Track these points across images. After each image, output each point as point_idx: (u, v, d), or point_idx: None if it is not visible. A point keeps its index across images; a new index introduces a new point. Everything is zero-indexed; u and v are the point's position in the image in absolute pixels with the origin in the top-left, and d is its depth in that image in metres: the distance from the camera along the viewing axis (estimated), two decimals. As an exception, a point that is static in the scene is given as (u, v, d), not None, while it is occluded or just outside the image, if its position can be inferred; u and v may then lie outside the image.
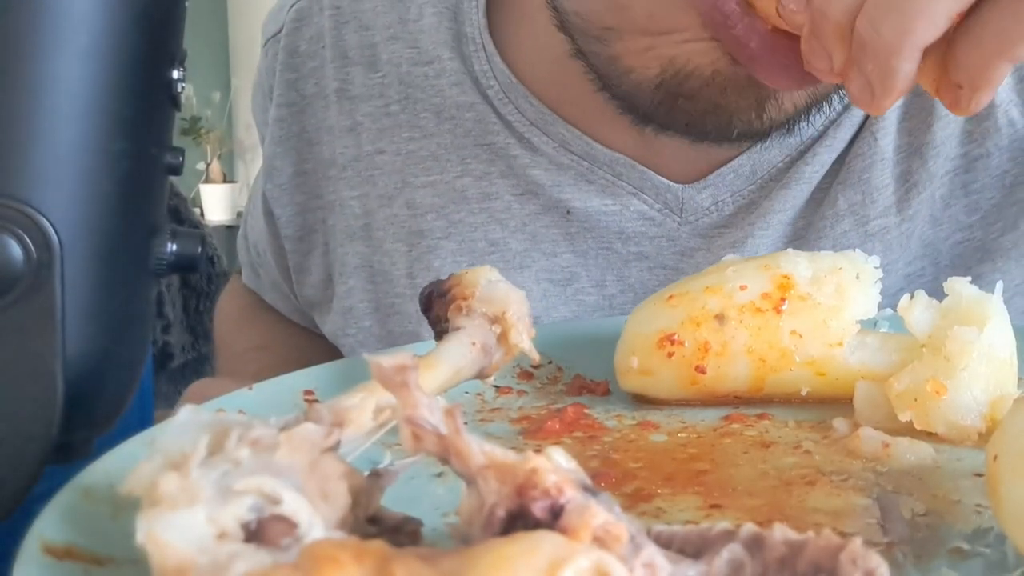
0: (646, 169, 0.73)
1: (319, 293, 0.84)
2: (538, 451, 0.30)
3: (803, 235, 0.73)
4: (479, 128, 0.76)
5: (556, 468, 0.29)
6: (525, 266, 0.75)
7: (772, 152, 0.72)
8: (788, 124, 0.64)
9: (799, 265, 0.53)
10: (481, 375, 0.53)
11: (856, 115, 0.72)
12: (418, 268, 0.77)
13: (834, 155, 0.72)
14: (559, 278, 0.75)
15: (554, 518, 0.28)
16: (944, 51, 0.46)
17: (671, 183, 0.73)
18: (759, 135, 0.65)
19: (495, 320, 0.52)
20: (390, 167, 0.78)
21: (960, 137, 0.72)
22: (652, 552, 0.28)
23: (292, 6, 0.84)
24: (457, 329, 0.52)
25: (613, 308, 0.75)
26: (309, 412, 0.35)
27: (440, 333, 0.54)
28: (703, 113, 0.61)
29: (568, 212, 0.74)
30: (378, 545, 0.27)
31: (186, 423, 0.33)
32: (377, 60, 0.79)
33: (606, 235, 0.74)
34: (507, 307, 0.52)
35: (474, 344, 0.51)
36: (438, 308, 0.54)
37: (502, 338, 0.52)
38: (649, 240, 0.74)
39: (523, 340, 0.52)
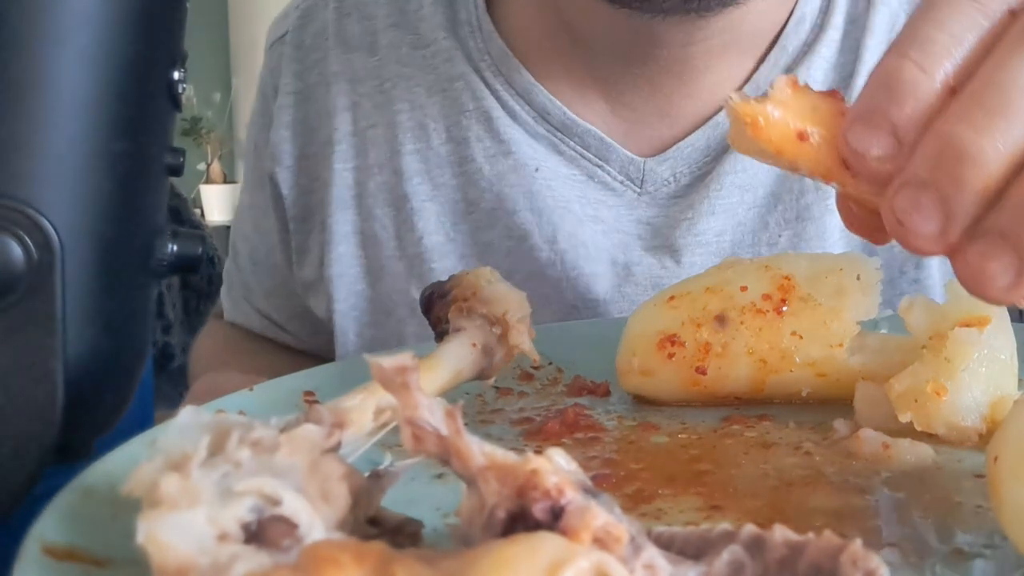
0: (613, 142, 0.78)
1: (316, 271, 0.88)
2: (539, 452, 0.30)
3: (769, 204, 0.77)
4: (466, 96, 0.82)
5: (557, 469, 0.29)
6: (492, 224, 0.81)
7: (724, 125, 0.76)
8: None
9: (800, 266, 0.53)
10: (482, 376, 0.53)
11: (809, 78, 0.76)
12: (404, 230, 0.83)
13: None
14: (518, 234, 0.80)
15: (555, 519, 0.28)
16: None
17: (634, 156, 0.78)
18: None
19: (495, 321, 0.52)
20: (381, 139, 0.84)
21: None
22: (652, 553, 0.28)
23: (298, 6, 0.90)
24: (458, 330, 0.52)
25: (564, 264, 0.79)
26: (310, 413, 0.35)
27: (441, 334, 0.54)
28: None
29: (537, 169, 0.80)
30: (378, 546, 0.27)
31: (187, 424, 0.33)
32: (376, 45, 0.85)
33: (567, 196, 0.79)
34: (507, 308, 0.52)
35: (475, 345, 0.51)
36: (439, 309, 0.55)
37: (502, 339, 0.52)
38: (608, 208, 0.79)
39: (524, 341, 0.52)
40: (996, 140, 0.33)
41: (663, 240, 0.78)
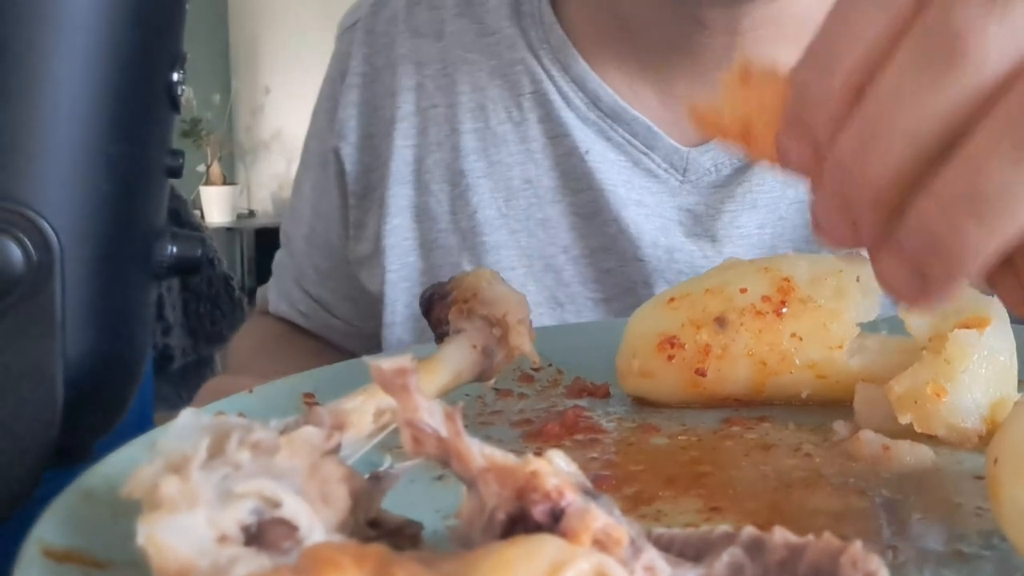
0: (660, 131, 0.82)
1: (372, 245, 0.92)
2: (538, 454, 0.30)
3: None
4: (526, 79, 0.86)
5: (556, 471, 0.29)
6: (556, 201, 0.84)
7: None
8: None
9: (799, 268, 0.53)
10: (482, 378, 0.53)
11: None
12: (459, 205, 0.87)
13: None
14: (585, 212, 0.84)
15: (554, 521, 0.28)
16: None
17: (679, 146, 0.81)
18: None
19: (496, 323, 0.52)
20: (442, 118, 0.88)
21: None
22: (652, 555, 0.28)
23: None
24: (458, 332, 0.52)
25: (623, 241, 0.82)
26: (309, 415, 0.35)
27: (441, 336, 0.54)
28: None
29: (587, 152, 0.83)
30: (378, 548, 0.27)
31: (187, 426, 0.33)
32: (443, 32, 0.90)
33: (614, 180, 0.83)
34: (508, 310, 0.52)
35: (475, 347, 0.51)
36: (439, 311, 0.54)
37: (503, 340, 0.52)
38: (651, 194, 0.82)
39: (524, 343, 0.52)
40: (884, 158, 0.33)
41: (703, 228, 0.81)
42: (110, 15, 0.42)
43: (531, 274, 0.85)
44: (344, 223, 0.95)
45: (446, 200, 0.88)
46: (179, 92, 0.45)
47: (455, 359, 0.50)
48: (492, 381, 0.54)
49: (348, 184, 0.93)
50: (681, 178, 0.82)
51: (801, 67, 0.35)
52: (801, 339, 0.52)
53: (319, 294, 1.00)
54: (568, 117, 0.84)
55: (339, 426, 0.35)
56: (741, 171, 0.81)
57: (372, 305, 0.92)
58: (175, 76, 0.45)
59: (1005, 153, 0.30)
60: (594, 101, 0.84)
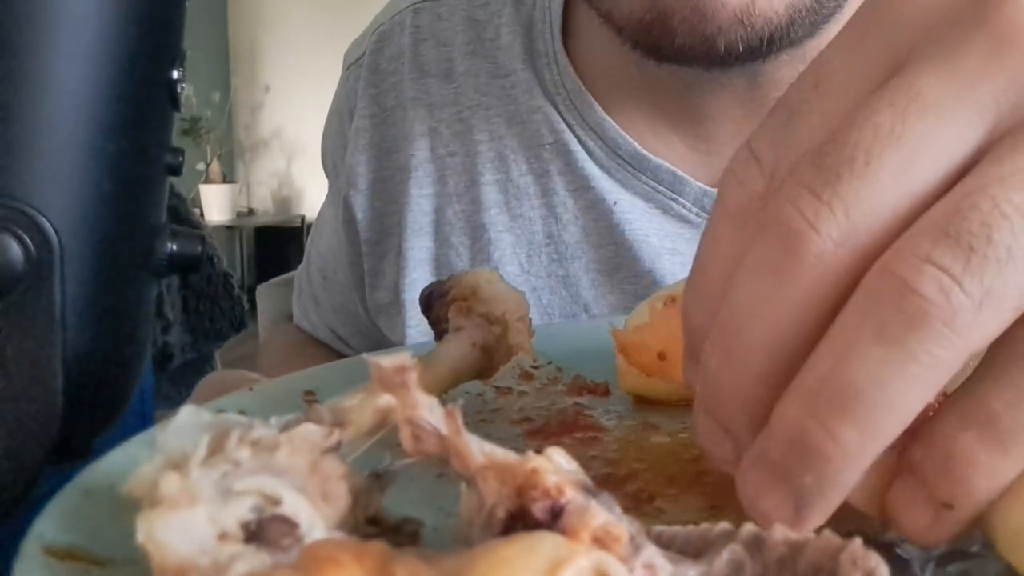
0: (685, 175, 0.79)
1: (391, 294, 0.89)
2: (538, 452, 0.30)
3: None
4: (544, 128, 0.83)
5: (556, 469, 0.29)
6: (577, 257, 0.82)
7: None
8: (784, 32, 0.67)
9: None
10: (481, 376, 0.53)
11: None
12: (480, 260, 0.84)
13: None
14: (606, 268, 0.81)
15: (554, 519, 0.28)
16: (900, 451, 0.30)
17: (708, 187, 0.78)
18: (751, 50, 0.67)
19: (495, 321, 0.52)
20: (460, 167, 0.85)
21: None
22: (652, 553, 0.28)
23: (375, 30, 0.92)
24: (457, 330, 0.52)
25: (647, 295, 0.80)
26: (309, 413, 0.35)
27: (440, 334, 0.54)
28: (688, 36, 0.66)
29: (616, 203, 0.81)
30: (378, 546, 0.27)
31: (186, 424, 0.33)
32: (453, 72, 0.86)
33: (646, 229, 0.80)
34: (507, 308, 0.52)
35: (474, 344, 0.51)
36: (438, 309, 0.54)
37: (502, 339, 0.52)
38: (685, 240, 0.80)
39: (523, 341, 0.52)
40: (744, 366, 0.30)
41: None
42: (110, 13, 0.42)
43: None
44: (353, 269, 0.92)
45: (466, 254, 0.85)
46: (179, 90, 0.45)
47: (454, 357, 0.50)
48: (492, 379, 0.54)
49: (360, 232, 0.90)
50: None
51: (684, 293, 0.34)
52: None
53: (333, 326, 0.99)
54: (590, 168, 0.81)
55: (339, 424, 0.35)
56: None
57: (387, 344, 0.90)
58: (175, 74, 0.45)
59: (866, 345, 0.27)
60: (614, 149, 0.80)
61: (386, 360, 0.31)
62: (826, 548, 0.28)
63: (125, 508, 0.32)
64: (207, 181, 4.98)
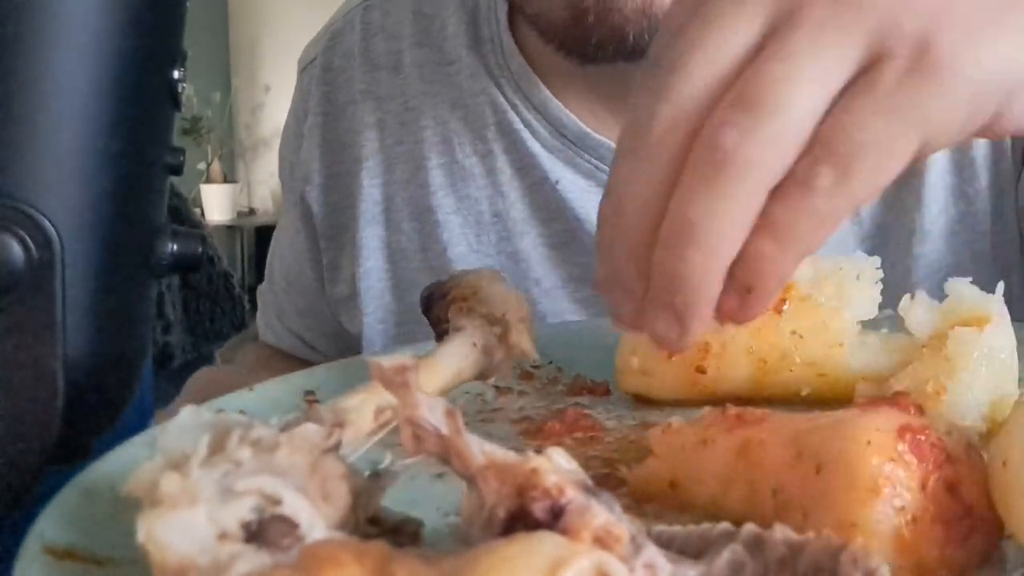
0: None
1: (349, 287, 0.90)
2: (538, 452, 0.30)
3: None
4: (489, 110, 0.84)
5: (556, 468, 0.29)
6: (525, 233, 0.83)
7: None
8: None
9: (800, 266, 0.53)
10: (482, 376, 0.53)
11: None
12: (429, 242, 0.86)
13: None
14: (555, 243, 0.83)
15: (554, 519, 0.28)
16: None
17: None
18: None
19: (496, 321, 0.52)
20: (408, 155, 0.87)
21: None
22: (653, 553, 0.28)
23: (328, 29, 0.94)
24: (458, 330, 0.52)
25: (590, 277, 0.82)
26: (309, 413, 0.35)
27: (440, 334, 0.54)
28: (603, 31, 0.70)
29: (557, 182, 0.82)
30: (379, 546, 0.27)
31: (187, 424, 0.33)
32: (401, 64, 0.88)
33: (587, 207, 0.81)
34: (507, 308, 0.52)
35: (475, 345, 0.51)
36: (438, 309, 0.54)
37: (502, 339, 0.52)
38: None
39: (524, 341, 0.52)
40: (627, 223, 0.41)
41: None
42: (111, 13, 0.42)
43: None
44: (315, 266, 0.94)
45: (416, 238, 0.87)
46: (180, 90, 0.45)
47: (456, 357, 0.50)
48: (492, 379, 0.54)
49: (317, 226, 0.92)
50: None
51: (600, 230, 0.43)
52: (802, 337, 0.52)
53: (299, 331, 1.00)
54: (534, 147, 0.83)
55: (339, 424, 0.35)
56: None
57: (352, 342, 0.91)
58: (176, 74, 0.45)
59: (696, 191, 0.38)
60: (559, 129, 0.82)
61: (387, 360, 0.31)
62: (826, 548, 0.28)
63: (125, 508, 0.32)
64: (208, 181, 4.97)
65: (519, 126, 0.83)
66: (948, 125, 0.40)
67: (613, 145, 0.78)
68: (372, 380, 0.42)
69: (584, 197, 0.81)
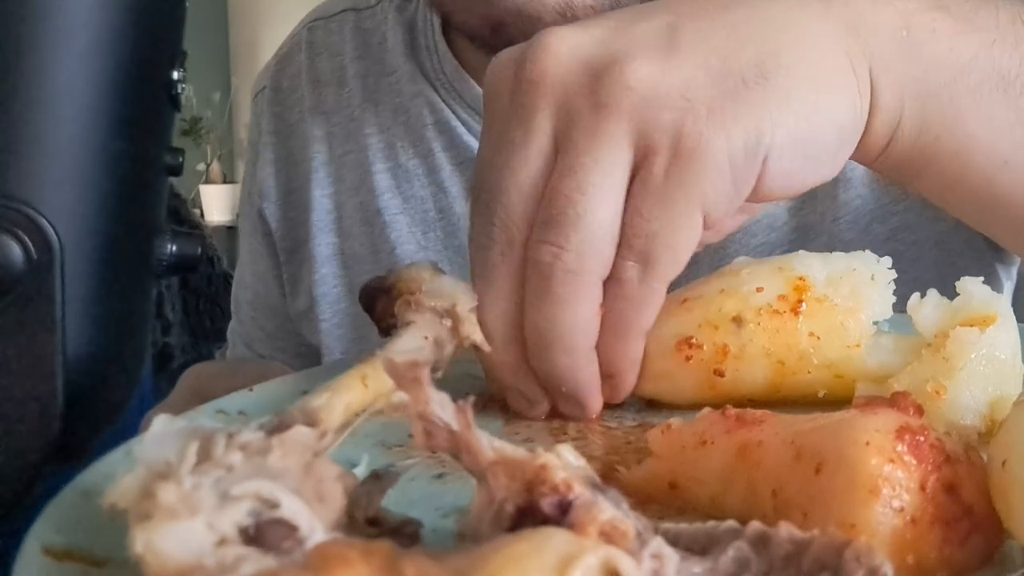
0: None
1: (308, 299, 0.93)
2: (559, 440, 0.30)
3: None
4: (427, 111, 0.88)
5: (565, 465, 0.29)
6: (464, 229, 0.84)
7: None
8: None
9: (813, 267, 0.52)
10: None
11: None
12: (379, 243, 0.89)
13: None
14: None
15: (562, 514, 0.28)
16: None
17: None
18: None
19: (445, 314, 0.51)
20: (354, 163, 0.91)
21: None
22: (659, 543, 0.28)
23: (276, 54, 1.00)
24: (407, 324, 0.51)
25: None
26: (284, 415, 0.35)
27: (385, 330, 0.53)
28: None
29: None
30: (386, 544, 0.27)
31: (162, 432, 0.33)
32: (344, 77, 0.93)
33: None
34: (456, 300, 0.52)
35: (427, 338, 0.50)
36: (382, 304, 0.53)
37: (453, 331, 0.52)
38: None
39: (475, 332, 0.52)
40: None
41: None
42: (110, 13, 0.42)
43: None
44: (279, 283, 0.96)
45: (367, 242, 0.89)
46: (179, 90, 0.45)
47: (411, 351, 0.50)
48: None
49: (276, 242, 0.94)
50: None
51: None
52: (819, 338, 0.52)
53: (271, 355, 1.01)
54: (471, 142, 0.85)
55: (313, 423, 0.35)
56: None
57: (318, 358, 0.93)
58: (175, 74, 0.45)
59: (540, 302, 0.46)
60: None
61: (400, 357, 0.31)
62: (831, 545, 0.28)
63: (124, 509, 0.32)
64: (207, 181, 4.98)
65: (455, 123, 0.86)
66: (720, 196, 0.45)
67: None
68: (337, 379, 0.42)
69: None
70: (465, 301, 0.51)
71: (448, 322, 0.51)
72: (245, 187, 1.01)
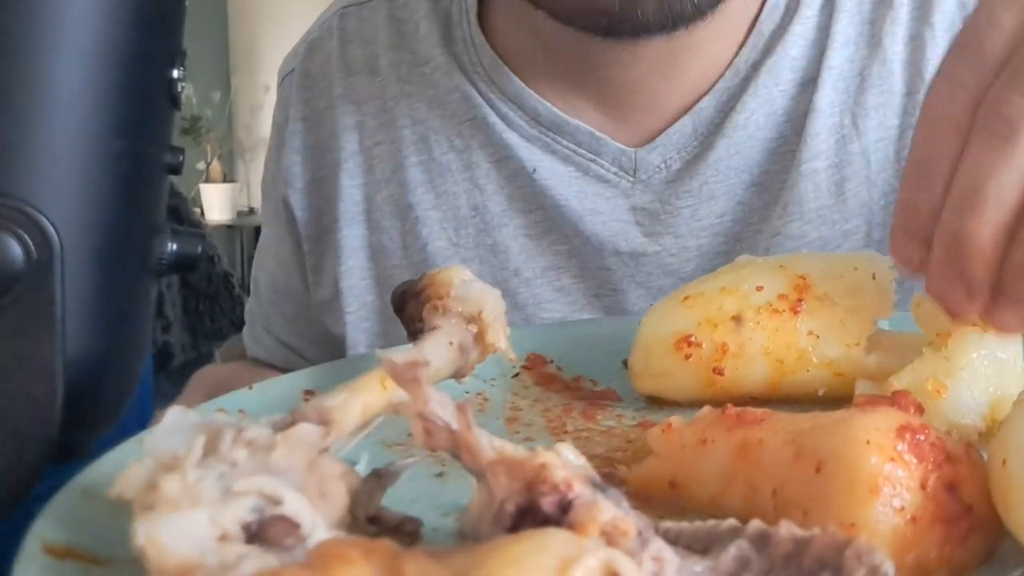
0: (604, 136, 0.82)
1: (332, 290, 0.91)
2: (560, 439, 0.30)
3: (763, 183, 0.80)
4: (464, 106, 0.86)
5: (565, 464, 0.29)
6: (503, 224, 0.85)
7: (708, 110, 0.80)
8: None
9: (814, 265, 0.53)
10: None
11: (782, 65, 0.79)
12: (410, 239, 0.87)
13: (767, 105, 0.79)
14: (535, 232, 0.84)
15: (563, 513, 0.28)
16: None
17: (625, 147, 0.81)
18: (673, 18, 0.71)
19: (471, 320, 0.52)
20: (386, 154, 0.89)
21: (898, 108, 0.79)
22: (660, 545, 0.28)
23: (305, 40, 0.96)
24: (433, 328, 0.51)
25: (578, 256, 0.83)
26: (295, 412, 0.35)
27: (414, 333, 0.53)
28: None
29: (534, 171, 0.83)
30: (387, 543, 0.27)
31: (174, 425, 0.33)
32: (377, 66, 0.90)
33: (566, 193, 0.83)
34: (483, 307, 0.52)
35: (451, 343, 0.51)
36: (412, 308, 0.54)
37: (478, 338, 0.52)
38: (604, 200, 0.82)
39: (500, 339, 0.52)
40: (980, 220, 0.44)
41: (664, 226, 0.81)
42: (110, 12, 0.42)
43: None
44: (302, 270, 0.95)
45: (397, 236, 0.88)
46: (179, 89, 0.45)
47: (433, 355, 0.50)
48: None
49: (300, 231, 0.93)
50: (632, 179, 0.82)
51: (904, 187, 0.47)
52: (818, 337, 0.52)
53: (289, 340, 1.01)
54: (510, 138, 0.84)
55: (324, 423, 0.35)
56: (692, 163, 0.81)
57: (340, 347, 0.92)
58: (175, 73, 0.45)
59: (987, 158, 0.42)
60: (534, 117, 0.83)
61: (399, 356, 0.31)
62: (831, 543, 0.28)
63: (125, 507, 0.32)
64: (207, 180, 4.98)
65: (494, 119, 0.84)
66: None
67: (588, 129, 0.81)
68: (355, 379, 0.42)
69: (563, 184, 0.82)
70: (492, 308, 0.52)
71: (474, 328, 0.51)
72: (269, 172, 0.99)
